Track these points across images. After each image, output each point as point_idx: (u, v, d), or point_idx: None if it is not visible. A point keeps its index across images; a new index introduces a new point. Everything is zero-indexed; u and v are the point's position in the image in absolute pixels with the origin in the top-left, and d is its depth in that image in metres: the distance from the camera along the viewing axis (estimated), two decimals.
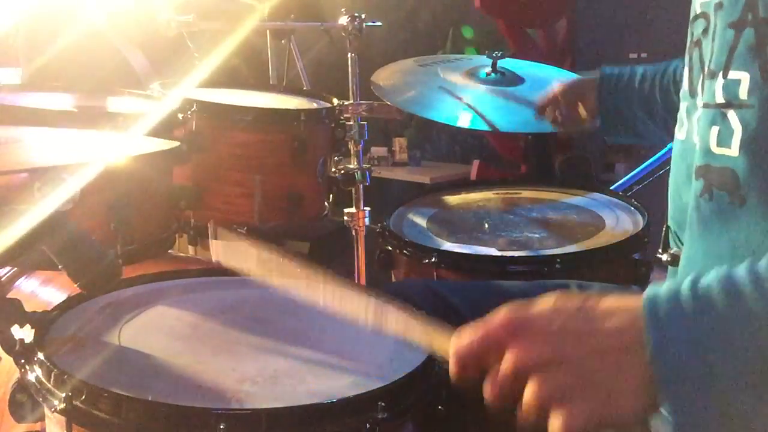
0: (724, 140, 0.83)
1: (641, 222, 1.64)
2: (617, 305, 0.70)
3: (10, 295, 1.01)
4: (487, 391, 0.71)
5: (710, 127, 0.84)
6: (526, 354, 0.68)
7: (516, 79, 1.86)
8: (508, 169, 3.96)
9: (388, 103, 1.77)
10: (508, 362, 0.69)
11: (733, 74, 0.82)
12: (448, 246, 1.59)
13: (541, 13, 3.85)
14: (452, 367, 0.74)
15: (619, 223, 1.68)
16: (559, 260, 1.48)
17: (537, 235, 1.65)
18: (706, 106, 0.86)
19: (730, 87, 0.82)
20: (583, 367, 0.67)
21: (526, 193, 1.95)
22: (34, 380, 0.92)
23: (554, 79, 1.66)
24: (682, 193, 0.95)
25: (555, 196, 1.90)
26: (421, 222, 1.75)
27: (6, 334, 0.96)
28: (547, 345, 0.68)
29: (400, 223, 1.74)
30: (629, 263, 1.56)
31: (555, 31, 3.90)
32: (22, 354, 0.95)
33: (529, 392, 0.68)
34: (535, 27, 3.90)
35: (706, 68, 0.89)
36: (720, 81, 0.83)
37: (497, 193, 1.96)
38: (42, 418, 0.95)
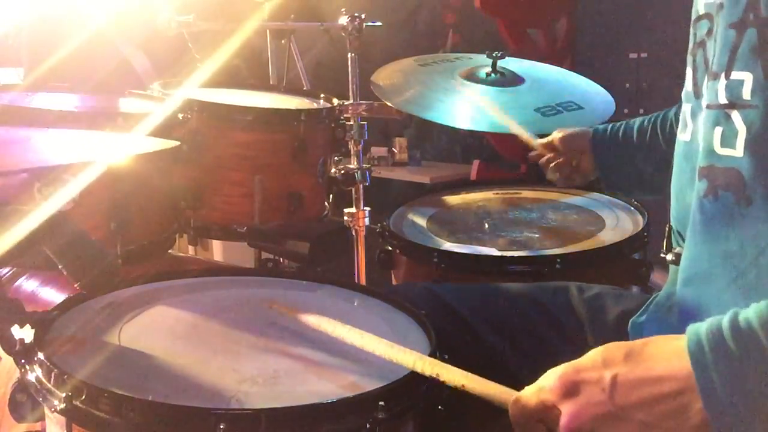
0: (728, 141, 0.83)
1: (641, 222, 1.64)
2: (663, 348, 0.70)
3: (10, 295, 1.01)
4: None
5: (714, 128, 0.84)
6: (581, 413, 0.69)
7: (516, 79, 1.86)
8: (508, 169, 3.96)
9: (388, 103, 1.77)
10: (564, 420, 0.69)
11: (736, 75, 0.82)
12: (448, 246, 1.59)
13: (541, 13, 3.85)
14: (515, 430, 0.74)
15: (619, 223, 1.68)
16: (559, 260, 1.48)
17: (537, 235, 1.65)
18: (709, 106, 0.86)
19: (734, 87, 0.82)
20: (641, 417, 0.67)
21: (526, 193, 1.95)
22: (34, 380, 0.92)
23: (556, 130, 1.66)
24: (686, 194, 0.95)
25: (555, 196, 1.90)
26: (421, 222, 1.75)
27: (6, 334, 0.96)
28: (601, 397, 0.68)
29: (400, 223, 1.74)
30: (629, 263, 1.56)
31: (555, 31, 3.90)
32: (22, 354, 0.95)
33: None
34: (535, 27, 3.90)
35: (708, 69, 0.89)
36: (723, 82, 0.83)
37: (497, 193, 1.96)
38: (42, 418, 0.95)
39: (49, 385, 0.89)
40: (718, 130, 0.84)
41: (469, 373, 0.81)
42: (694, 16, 0.95)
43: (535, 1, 3.83)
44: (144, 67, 2.44)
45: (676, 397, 0.67)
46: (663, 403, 0.67)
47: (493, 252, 1.55)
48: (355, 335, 0.94)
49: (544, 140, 1.65)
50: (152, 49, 2.46)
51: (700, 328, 0.69)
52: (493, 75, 1.84)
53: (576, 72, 2.01)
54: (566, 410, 0.69)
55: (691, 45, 0.96)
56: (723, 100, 0.83)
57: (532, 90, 1.80)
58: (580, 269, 1.49)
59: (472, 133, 4.21)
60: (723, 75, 0.83)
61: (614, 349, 0.71)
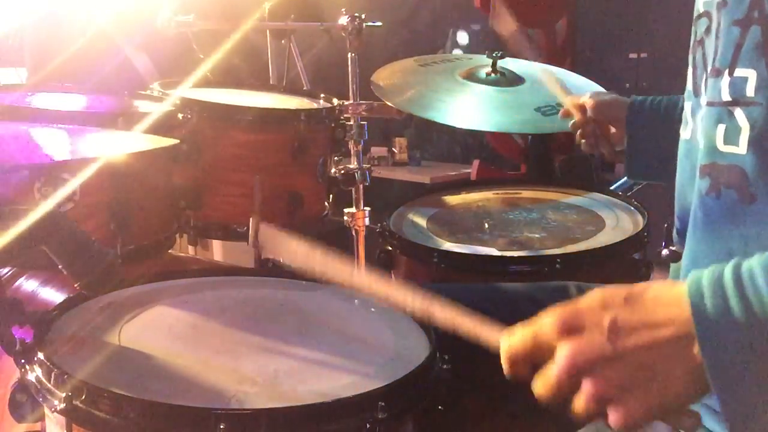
0: (731, 138, 0.83)
1: (641, 222, 1.64)
2: (663, 294, 0.70)
3: (10, 295, 1.01)
4: (540, 388, 0.72)
5: (716, 125, 0.84)
6: (579, 350, 0.69)
7: (516, 79, 1.86)
8: (508, 169, 3.96)
9: (389, 103, 1.77)
10: (561, 359, 0.69)
11: (739, 72, 0.82)
12: (448, 246, 1.59)
13: (541, 13, 3.85)
14: (505, 366, 0.74)
15: (619, 223, 1.68)
16: (559, 260, 1.48)
17: (537, 235, 1.65)
18: (710, 104, 0.86)
19: (737, 85, 0.82)
20: (638, 360, 0.68)
21: (526, 193, 1.95)
22: (34, 380, 0.92)
23: (589, 90, 1.57)
24: (687, 192, 0.95)
25: (555, 196, 1.90)
26: (421, 222, 1.75)
27: (6, 334, 0.96)
28: (600, 339, 0.68)
29: (400, 223, 1.74)
30: (629, 263, 1.56)
31: (555, 31, 3.90)
32: (22, 354, 0.95)
33: (587, 388, 0.69)
34: (535, 27, 3.90)
35: (709, 66, 0.89)
36: (726, 79, 0.83)
37: (497, 193, 1.96)
38: (42, 418, 0.95)
39: (49, 385, 0.89)
40: (721, 127, 0.84)
41: (458, 312, 0.81)
42: (695, 14, 0.95)
43: (535, 1, 3.83)
44: (146, 67, 2.44)
45: (674, 342, 0.67)
46: (661, 347, 0.67)
47: (493, 252, 1.55)
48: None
49: (577, 100, 1.54)
50: (154, 49, 2.46)
51: (702, 274, 0.69)
52: (493, 75, 1.84)
53: (576, 72, 2.01)
54: (563, 350, 0.69)
55: (691, 43, 0.96)
56: (726, 97, 0.83)
57: (533, 89, 1.80)
58: (580, 269, 1.49)
59: (472, 133, 4.21)
60: (726, 72, 0.83)
61: (614, 292, 0.71)
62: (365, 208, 1.88)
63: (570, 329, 0.69)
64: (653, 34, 3.49)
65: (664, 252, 1.05)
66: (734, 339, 0.66)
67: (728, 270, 0.68)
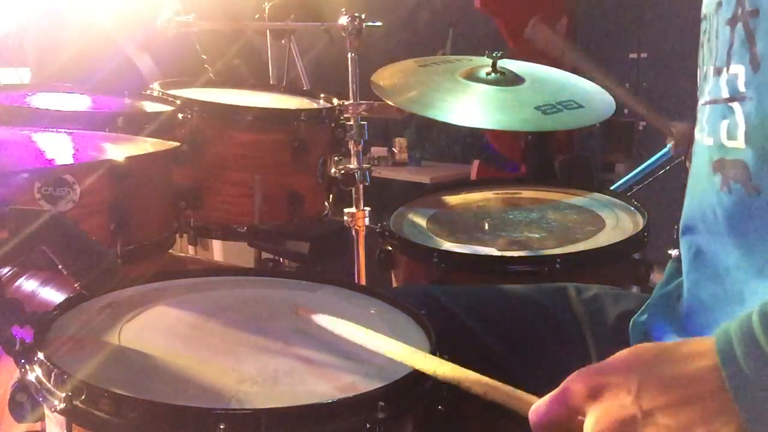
0: (732, 133, 0.84)
1: (641, 222, 1.64)
2: (694, 348, 0.67)
3: (10, 295, 1.01)
4: None
5: (720, 122, 0.86)
6: (605, 417, 0.65)
7: (516, 79, 1.86)
8: (508, 169, 3.96)
9: (389, 103, 1.77)
10: (591, 426, 0.66)
11: (732, 68, 0.84)
12: (448, 246, 1.59)
13: (541, 13, 3.85)
14: None
15: (619, 223, 1.68)
16: (559, 260, 1.48)
17: (537, 235, 1.65)
18: (715, 101, 0.88)
19: (732, 81, 0.84)
20: (672, 418, 0.64)
21: (526, 193, 1.95)
22: (34, 380, 0.92)
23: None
24: (696, 189, 0.96)
25: (555, 196, 1.90)
26: (421, 222, 1.75)
27: (6, 334, 0.96)
28: (629, 402, 0.65)
29: (400, 223, 1.74)
30: (629, 263, 1.56)
31: (555, 31, 3.90)
32: (22, 354, 0.95)
33: None
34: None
35: (707, 67, 0.91)
36: (724, 76, 0.86)
37: (497, 193, 1.96)
38: (42, 418, 0.95)
39: (49, 385, 0.89)
40: (724, 123, 0.86)
41: (489, 379, 0.78)
42: (702, 16, 0.97)
43: (535, 1, 3.83)
44: (148, 68, 2.44)
45: (709, 398, 0.63)
46: (691, 406, 0.63)
47: (493, 252, 1.55)
48: (378, 342, 0.93)
49: (676, 130, 1.58)
50: (155, 49, 2.46)
51: (730, 324, 0.66)
52: (493, 75, 1.84)
53: (576, 72, 2.01)
54: (592, 415, 0.66)
55: (701, 43, 0.98)
56: (725, 94, 0.86)
57: (533, 89, 1.80)
58: (580, 269, 1.49)
59: (472, 133, 4.21)
60: (724, 70, 0.86)
61: (644, 349, 0.68)
62: (365, 208, 1.88)
63: (597, 392, 0.66)
64: (653, 34, 3.49)
65: (674, 252, 1.05)
66: (764, 376, 0.62)
67: (755, 314, 0.65)
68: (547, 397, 0.71)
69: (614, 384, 0.66)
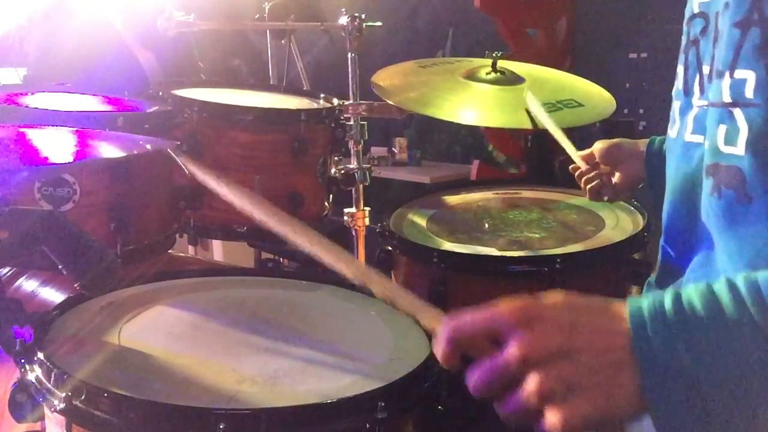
0: (731, 139, 0.83)
1: (641, 222, 1.64)
2: (617, 311, 0.70)
3: (10, 295, 1.01)
4: (476, 377, 0.70)
5: (718, 126, 0.85)
6: (537, 343, 0.68)
7: (516, 79, 1.86)
8: (508, 169, 3.96)
9: (389, 102, 1.77)
10: (515, 349, 0.68)
11: (739, 73, 0.82)
12: (448, 246, 1.59)
13: (541, 13, 3.85)
14: (443, 346, 0.71)
15: (619, 223, 1.68)
16: (559, 260, 1.48)
17: (537, 235, 1.65)
18: (712, 104, 0.87)
19: (737, 86, 0.82)
20: (591, 362, 0.67)
21: (526, 193, 1.95)
22: (34, 380, 0.92)
23: (597, 141, 1.58)
24: (680, 188, 0.96)
25: (555, 196, 1.90)
26: (421, 222, 1.75)
27: (6, 334, 0.96)
28: (559, 336, 0.68)
29: (400, 223, 1.74)
30: (629, 263, 1.56)
31: (555, 31, 3.90)
32: (22, 354, 0.95)
33: (533, 381, 0.67)
34: (535, 27, 3.90)
35: (710, 67, 0.89)
36: (727, 80, 0.84)
37: (497, 193, 1.96)
38: (42, 418, 0.95)
39: (49, 385, 0.89)
40: (722, 128, 0.84)
41: (397, 286, 0.80)
42: (688, 15, 0.96)
43: (535, 1, 3.83)
44: (151, 66, 2.44)
45: (626, 353, 0.67)
46: (613, 356, 0.67)
47: (493, 252, 1.55)
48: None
49: (585, 152, 1.58)
50: (156, 49, 2.46)
51: (643, 298, 0.70)
52: (493, 74, 1.84)
53: (576, 72, 2.01)
54: (519, 337, 0.68)
55: (684, 43, 0.97)
56: (727, 98, 0.84)
57: (532, 88, 1.80)
58: (580, 269, 1.49)
59: (472, 133, 4.21)
60: (727, 73, 0.84)
61: (576, 299, 0.71)
62: (365, 208, 1.88)
63: (529, 320, 0.68)
64: (653, 34, 3.49)
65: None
66: (669, 355, 0.66)
67: (668, 297, 0.69)
68: (469, 311, 0.72)
69: (549, 318, 0.69)
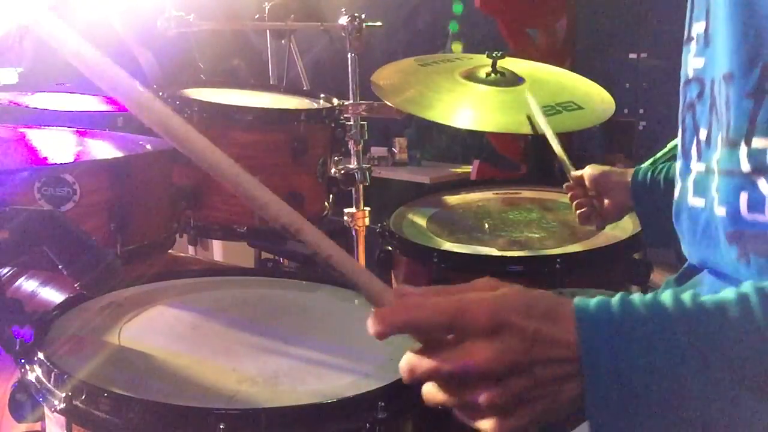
0: (756, 206, 0.81)
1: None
2: (570, 315, 0.69)
3: (10, 295, 1.01)
4: (426, 367, 0.69)
5: (738, 194, 0.83)
6: (502, 357, 0.67)
7: (516, 79, 1.86)
8: (508, 169, 3.96)
9: (389, 103, 1.77)
10: (480, 360, 0.66)
11: (757, 142, 0.81)
12: (448, 246, 1.59)
13: (541, 13, 3.85)
14: (388, 324, 0.69)
15: (619, 223, 1.67)
16: (559, 260, 1.48)
17: (537, 235, 1.65)
18: (730, 173, 0.85)
19: (757, 155, 0.81)
20: (542, 376, 0.67)
21: (526, 193, 1.95)
22: (34, 380, 0.92)
23: (589, 165, 1.58)
24: (701, 248, 0.94)
25: (555, 196, 1.90)
26: (421, 222, 1.75)
27: (6, 334, 0.96)
28: (522, 349, 0.67)
29: (400, 223, 1.74)
30: (629, 263, 1.56)
31: (555, 31, 3.90)
32: (22, 354, 0.95)
33: (485, 397, 0.67)
34: (535, 27, 3.89)
35: (707, 132, 0.88)
36: (744, 149, 0.82)
37: (497, 193, 1.96)
38: (42, 418, 0.95)
39: (49, 385, 0.89)
40: (744, 195, 0.83)
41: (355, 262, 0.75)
42: (683, 79, 0.96)
43: (535, 1, 3.83)
44: (151, 66, 2.44)
45: (575, 364, 0.67)
46: (562, 366, 0.68)
47: (493, 252, 1.55)
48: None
49: (578, 173, 1.58)
50: (156, 49, 2.46)
51: (595, 316, 0.69)
52: (493, 75, 1.84)
53: (576, 72, 2.01)
54: (485, 349, 0.67)
55: (681, 106, 0.97)
56: (746, 167, 0.82)
57: (532, 90, 1.80)
58: (580, 269, 1.49)
59: (472, 133, 4.21)
60: (743, 143, 0.82)
61: (536, 298, 0.70)
62: (365, 208, 1.88)
63: (497, 327, 0.67)
64: (653, 34, 3.49)
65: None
66: (612, 368, 0.67)
67: (616, 301, 0.69)
68: (435, 301, 0.69)
69: (515, 327, 0.67)
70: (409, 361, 0.70)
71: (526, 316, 0.68)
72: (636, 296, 0.70)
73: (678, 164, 0.98)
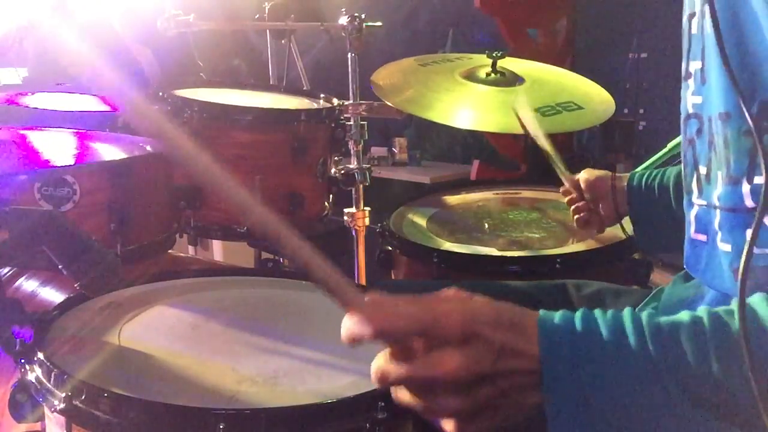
0: (763, 242, 0.81)
1: None
2: (533, 327, 0.72)
3: (10, 295, 1.01)
4: (398, 374, 0.71)
5: (744, 230, 0.84)
6: (470, 367, 0.69)
7: (516, 79, 1.86)
8: (508, 169, 3.96)
9: (388, 103, 1.77)
10: (449, 368, 0.68)
11: (758, 179, 0.82)
12: (448, 246, 1.59)
13: (541, 13, 3.85)
14: (364, 331, 0.70)
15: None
16: (559, 260, 1.48)
17: (537, 235, 1.65)
18: (733, 210, 0.85)
19: (758, 191, 0.81)
20: (505, 386, 0.70)
21: (526, 193, 1.95)
22: (34, 380, 0.92)
23: (584, 170, 1.59)
24: (709, 278, 0.94)
25: (555, 196, 1.90)
26: (421, 222, 1.75)
27: (6, 334, 0.96)
28: (489, 361, 0.69)
29: (400, 223, 1.74)
30: (629, 263, 1.56)
31: (555, 31, 3.90)
32: (22, 354, 0.95)
33: (451, 403, 0.69)
34: (535, 27, 3.90)
35: (707, 169, 0.89)
36: (746, 186, 0.83)
37: (497, 193, 1.97)
38: (42, 418, 0.95)
39: (49, 385, 0.89)
40: (749, 232, 0.83)
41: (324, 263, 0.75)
42: (683, 114, 0.96)
43: (535, 1, 3.83)
44: (151, 67, 2.44)
45: (531, 377, 0.70)
46: (524, 378, 0.70)
47: (493, 252, 1.55)
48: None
49: (574, 177, 1.59)
50: (156, 49, 2.46)
51: (557, 331, 0.72)
52: (493, 75, 1.84)
53: (576, 72, 2.01)
54: (454, 357, 0.69)
55: (683, 141, 0.97)
56: (749, 203, 0.83)
57: (532, 90, 1.80)
58: (579, 269, 1.49)
59: (472, 133, 4.21)
60: (745, 180, 0.83)
61: (504, 310, 0.72)
62: (365, 208, 1.88)
63: (467, 337, 0.69)
64: (653, 34, 3.49)
65: None
66: (569, 380, 0.69)
67: (579, 314, 0.72)
68: (409, 309, 0.71)
69: (483, 339, 0.69)
70: (380, 366, 0.72)
71: (495, 327, 0.70)
72: (598, 313, 0.73)
73: (685, 197, 0.98)
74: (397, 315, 0.71)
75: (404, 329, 0.70)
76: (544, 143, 1.59)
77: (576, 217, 1.55)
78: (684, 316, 0.71)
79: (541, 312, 0.73)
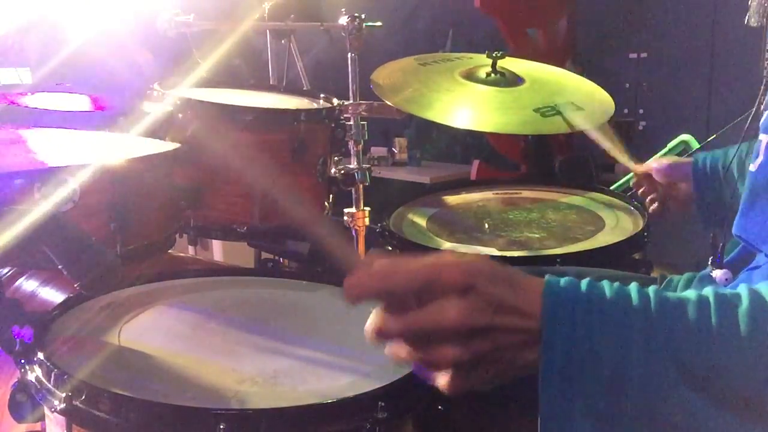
0: None
1: (641, 222, 1.64)
2: (537, 288, 0.73)
3: (10, 295, 1.01)
4: (396, 325, 0.72)
5: None
6: (469, 318, 0.69)
7: (516, 79, 1.86)
8: (508, 169, 3.96)
9: (388, 102, 1.77)
10: (449, 317, 0.69)
11: None
12: (448, 246, 1.59)
13: (541, 13, 3.85)
14: (366, 289, 0.73)
15: (619, 223, 1.68)
16: (559, 260, 1.48)
17: (537, 235, 1.65)
18: None
19: None
20: (502, 341, 0.70)
21: (526, 193, 1.95)
22: (34, 380, 0.92)
23: (653, 159, 1.62)
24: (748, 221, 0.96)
25: (555, 196, 1.90)
26: (421, 222, 1.75)
27: (6, 334, 0.96)
28: (487, 313, 0.70)
29: (400, 223, 1.74)
30: (629, 263, 1.56)
31: (555, 31, 3.90)
32: (22, 354, 0.95)
33: (449, 353, 0.70)
34: (535, 27, 3.90)
35: None
36: None
37: (497, 193, 1.96)
38: (42, 418, 0.95)
39: (49, 385, 0.89)
40: None
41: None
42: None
43: (535, 1, 3.83)
44: (150, 66, 2.44)
45: (534, 335, 0.71)
46: (522, 335, 0.71)
47: (493, 252, 1.55)
48: None
49: (642, 168, 1.61)
50: (155, 49, 2.46)
51: (561, 293, 0.72)
52: (493, 75, 1.84)
53: (577, 72, 2.01)
54: (454, 307, 0.69)
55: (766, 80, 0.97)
56: None
57: (532, 90, 1.80)
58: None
59: (472, 133, 4.21)
60: None
61: (502, 270, 0.73)
62: (365, 208, 1.88)
63: (467, 288, 0.70)
64: (653, 34, 3.49)
65: (716, 273, 1.05)
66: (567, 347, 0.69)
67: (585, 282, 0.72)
68: (409, 265, 0.72)
69: (482, 291, 0.70)
70: (376, 321, 0.73)
71: (493, 282, 0.71)
72: (605, 282, 0.73)
73: (764, 137, 0.99)
74: (399, 271, 0.72)
75: (408, 284, 0.71)
76: (602, 140, 1.61)
77: (652, 207, 1.58)
78: (690, 293, 0.71)
79: (548, 276, 0.74)
